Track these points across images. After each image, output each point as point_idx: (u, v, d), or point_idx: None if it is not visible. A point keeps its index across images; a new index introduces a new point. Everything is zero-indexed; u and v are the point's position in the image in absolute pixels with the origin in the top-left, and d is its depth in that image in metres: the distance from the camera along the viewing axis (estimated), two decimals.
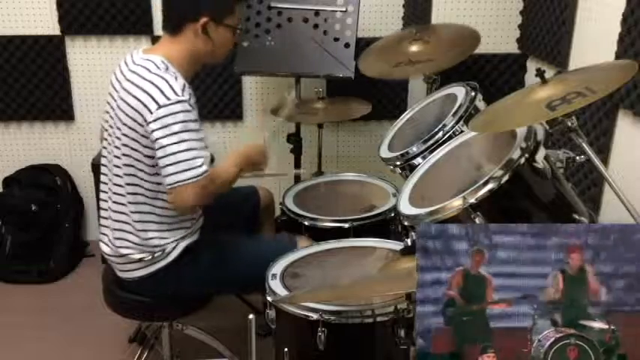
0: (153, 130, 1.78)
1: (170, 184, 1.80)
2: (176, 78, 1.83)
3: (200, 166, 1.79)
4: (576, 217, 1.58)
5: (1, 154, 3.27)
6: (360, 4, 2.67)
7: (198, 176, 1.79)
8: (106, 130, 1.97)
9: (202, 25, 1.89)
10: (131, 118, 1.82)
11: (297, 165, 2.85)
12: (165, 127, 1.77)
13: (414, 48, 2.49)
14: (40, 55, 3.09)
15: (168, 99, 1.77)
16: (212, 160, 1.96)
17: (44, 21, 3.06)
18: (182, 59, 1.92)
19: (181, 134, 1.77)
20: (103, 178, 2.02)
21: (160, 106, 1.77)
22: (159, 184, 1.88)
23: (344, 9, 2.65)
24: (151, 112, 1.77)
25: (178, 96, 1.78)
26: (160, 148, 1.78)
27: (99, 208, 2.07)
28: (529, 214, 1.57)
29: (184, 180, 1.79)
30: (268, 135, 2.18)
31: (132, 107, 1.82)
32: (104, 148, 2.00)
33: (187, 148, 1.78)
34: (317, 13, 2.66)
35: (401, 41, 2.55)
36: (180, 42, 1.92)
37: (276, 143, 2.88)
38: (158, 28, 3.05)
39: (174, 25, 1.93)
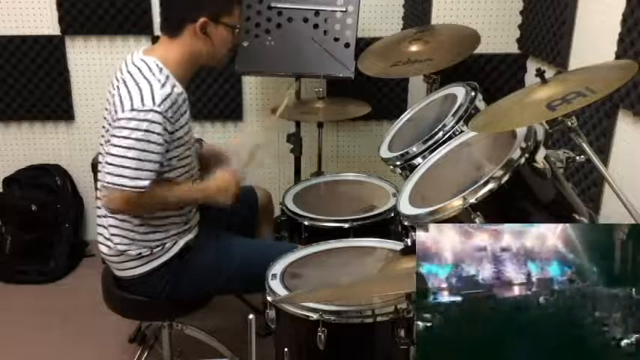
0: (117, 127, 1.79)
1: (105, 182, 1.82)
2: (163, 85, 1.82)
3: (138, 179, 1.79)
4: (576, 217, 1.58)
5: (1, 154, 3.27)
6: (360, 4, 2.67)
7: (131, 187, 1.79)
8: (104, 127, 1.97)
9: (201, 25, 1.89)
10: None
11: (298, 165, 2.85)
12: (126, 129, 1.78)
13: (413, 48, 2.48)
14: (40, 55, 3.09)
15: (143, 105, 1.77)
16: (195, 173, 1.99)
17: (44, 21, 3.05)
18: (180, 61, 1.91)
19: (138, 142, 1.77)
20: (99, 175, 2.02)
21: (132, 109, 1.77)
22: None
23: (344, 9, 2.64)
24: (123, 111, 1.79)
25: (154, 105, 1.78)
26: (113, 145, 1.79)
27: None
28: (529, 214, 1.57)
29: (117, 184, 1.80)
30: (258, 144, 2.17)
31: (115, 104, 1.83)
32: (100, 145, 2.00)
33: (135, 157, 1.78)
34: (317, 13, 2.66)
35: (401, 41, 2.55)
36: (180, 43, 1.92)
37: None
38: (158, 28, 3.05)
39: (173, 26, 1.93)
